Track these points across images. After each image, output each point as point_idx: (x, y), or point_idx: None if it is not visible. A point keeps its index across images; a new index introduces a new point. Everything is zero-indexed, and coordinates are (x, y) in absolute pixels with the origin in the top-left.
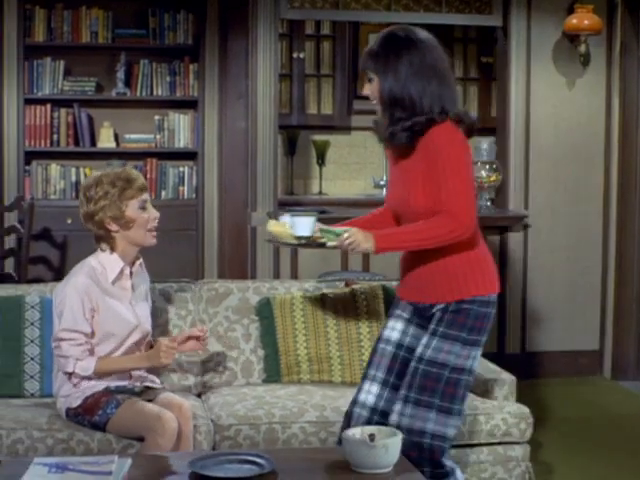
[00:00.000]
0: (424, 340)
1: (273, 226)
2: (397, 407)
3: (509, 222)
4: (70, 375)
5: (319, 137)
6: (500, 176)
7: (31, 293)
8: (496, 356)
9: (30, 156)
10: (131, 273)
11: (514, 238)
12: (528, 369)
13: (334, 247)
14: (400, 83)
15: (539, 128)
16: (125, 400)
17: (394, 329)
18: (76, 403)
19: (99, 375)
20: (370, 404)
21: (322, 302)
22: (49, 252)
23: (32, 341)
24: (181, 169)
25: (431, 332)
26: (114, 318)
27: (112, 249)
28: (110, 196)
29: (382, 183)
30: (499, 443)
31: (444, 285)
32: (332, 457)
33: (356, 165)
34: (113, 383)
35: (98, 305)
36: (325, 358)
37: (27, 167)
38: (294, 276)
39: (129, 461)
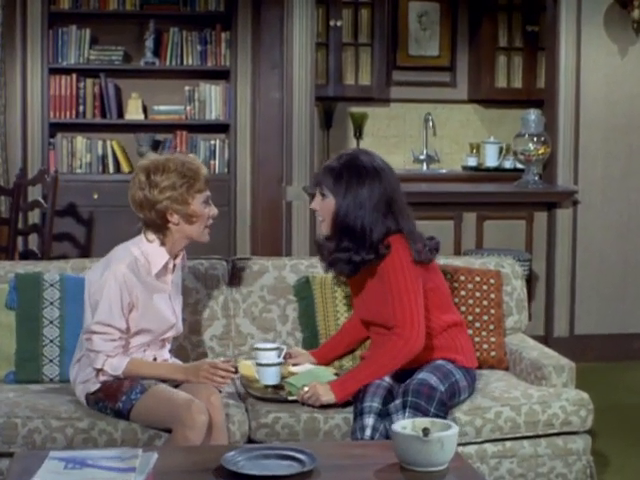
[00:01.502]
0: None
1: (243, 368)
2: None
3: (557, 198)
4: (98, 372)
5: (356, 109)
6: (548, 149)
7: (50, 270)
8: (543, 340)
9: (55, 128)
10: (174, 266)
11: (563, 215)
12: (577, 353)
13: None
14: (356, 211)
15: (589, 98)
16: (151, 386)
17: None
18: (95, 387)
19: (128, 376)
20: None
21: None
22: (74, 229)
23: (51, 322)
24: (212, 142)
25: None
26: (154, 315)
27: (162, 241)
28: (179, 187)
29: (422, 157)
30: (558, 434)
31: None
32: (380, 453)
33: (395, 138)
34: None
35: (138, 300)
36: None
37: (52, 140)
38: None
39: (155, 456)
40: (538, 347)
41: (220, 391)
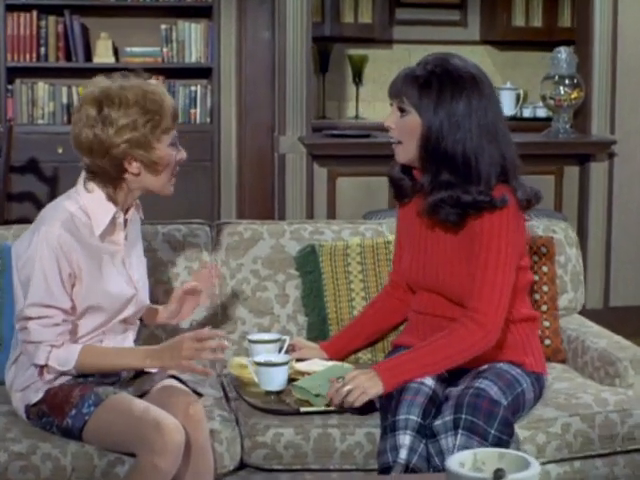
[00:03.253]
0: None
1: (234, 368)
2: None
3: (591, 149)
4: (42, 369)
5: (355, 51)
6: (582, 93)
7: None
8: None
9: (13, 73)
10: (125, 222)
11: (597, 169)
12: (612, 328)
13: (326, 409)
14: (453, 132)
15: (629, 36)
16: (108, 395)
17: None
18: (37, 397)
19: (81, 371)
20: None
21: (387, 252)
22: (36, 187)
23: None
24: (193, 88)
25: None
26: (102, 287)
27: (111, 195)
28: (141, 126)
29: None
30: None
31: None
32: None
33: None
34: None
35: (80, 269)
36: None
37: (9, 86)
38: (331, 216)
39: None
40: (605, 333)
41: (200, 394)
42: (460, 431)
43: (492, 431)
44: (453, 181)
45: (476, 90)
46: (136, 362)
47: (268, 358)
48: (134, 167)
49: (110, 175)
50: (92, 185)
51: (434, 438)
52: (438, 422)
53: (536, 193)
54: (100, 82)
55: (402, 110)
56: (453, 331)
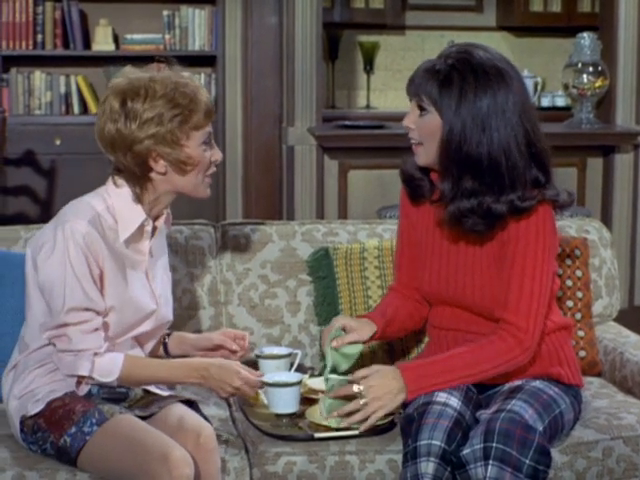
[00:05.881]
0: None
1: None
2: None
3: (616, 140)
4: (80, 380)
5: (366, 38)
6: (606, 81)
7: None
8: None
9: (8, 62)
10: (154, 230)
11: (622, 161)
12: (637, 328)
13: (343, 435)
14: (476, 134)
15: None
16: (114, 414)
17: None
18: (36, 408)
19: (123, 383)
20: None
21: None
22: (33, 180)
23: None
24: (196, 77)
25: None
26: (125, 294)
27: (139, 196)
28: (167, 120)
29: None
30: None
31: None
32: None
33: (411, 72)
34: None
35: (103, 271)
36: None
37: (4, 75)
38: (342, 214)
39: None
40: (624, 333)
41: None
42: (491, 461)
43: (527, 461)
44: (477, 188)
45: (503, 85)
46: (179, 376)
47: (278, 377)
48: (160, 166)
49: (135, 174)
50: (121, 181)
51: (463, 468)
52: (467, 450)
53: (570, 194)
54: (130, 73)
55: (421, 109)
56: (490, 344)
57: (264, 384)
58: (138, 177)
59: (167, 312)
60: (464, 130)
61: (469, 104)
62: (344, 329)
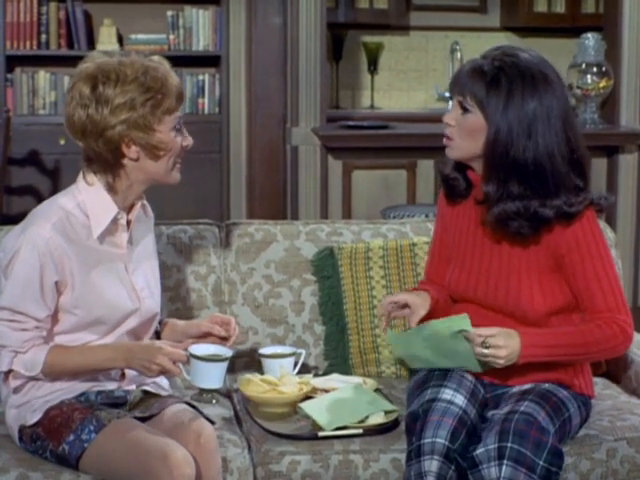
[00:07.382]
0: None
1: (245, 386)
2: None
3: (620, 141)
4: (7, 375)
5: (370, 38)
6: (610, 82)
7: None
8: None
9: (13, 62)
10: (129, 223)
11: (626, 161)
12: None
13: (344, 434)
14: (522, 138)
15: None
16: (111, 420)
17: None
18: (34, 418)
19: (50, 376)
20: None
21: (412, 255)
22: (37, 180)
23: None
24: (200, 77)
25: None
26: (98, 296)
27: (111, 185)
28: (139, 106)
29: (447, 95)
30: None
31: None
32: None
33: (415, 73)
34: (94, 387)
35: (72, 275)
36: None
37: (9, 75)
38: (346, 214)
39: None
40: None
41: (212, 422)
42: (505, 461)
43: (541, 462)
44: (523, 192)
45: (549, 90)
46: (102, 361)
47: (207, 350)
48: (133, 151)
49: (107, 161)
50: (92, 177)
51: (476, 467)
52: (480, 450)
53: (606, 197)
54: (97, 57)
55: (465, 109)
56: (597, 327)
57: (191, 356)
58: (110, 165)
59: (152, 305)
60: (510, 133)
61: (516, 107)
62: (408, 305)
